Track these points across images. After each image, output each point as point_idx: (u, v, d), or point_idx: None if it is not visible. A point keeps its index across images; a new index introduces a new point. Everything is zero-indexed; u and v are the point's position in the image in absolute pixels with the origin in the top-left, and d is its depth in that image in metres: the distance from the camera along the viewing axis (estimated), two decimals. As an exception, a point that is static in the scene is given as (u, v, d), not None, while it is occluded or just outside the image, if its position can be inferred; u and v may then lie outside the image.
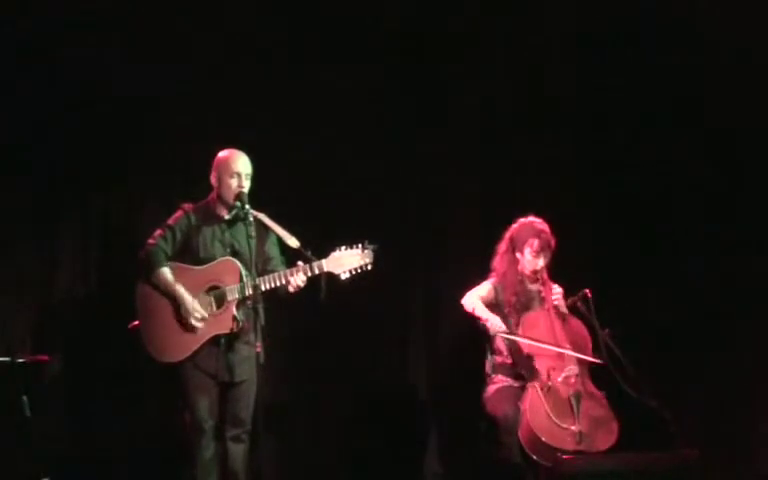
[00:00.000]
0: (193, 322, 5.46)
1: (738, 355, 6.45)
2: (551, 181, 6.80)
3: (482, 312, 6.00)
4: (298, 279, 5.48)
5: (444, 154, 6.88)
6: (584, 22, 6.79)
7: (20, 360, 5.67)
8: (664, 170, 6.75)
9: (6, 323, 6.02)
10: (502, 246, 6.14)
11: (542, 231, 6.00)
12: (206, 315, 5.49)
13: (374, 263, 5.53)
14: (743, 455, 6.31)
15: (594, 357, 5.85)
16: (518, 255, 6.06)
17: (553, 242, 6.01)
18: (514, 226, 6.11)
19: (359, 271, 5.54)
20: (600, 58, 6.83)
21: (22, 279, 6.11)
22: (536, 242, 5.99)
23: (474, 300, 6.04)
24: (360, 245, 5.55)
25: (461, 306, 6.06)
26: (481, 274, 6.16)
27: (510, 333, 5.93)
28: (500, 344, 6.05)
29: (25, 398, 5.58)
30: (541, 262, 6.00)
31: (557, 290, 6.04)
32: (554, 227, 6.06)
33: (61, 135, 6.17)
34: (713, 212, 6.59)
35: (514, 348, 5.96)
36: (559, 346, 5.86)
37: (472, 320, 6.05)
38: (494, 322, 5.95)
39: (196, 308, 5.48)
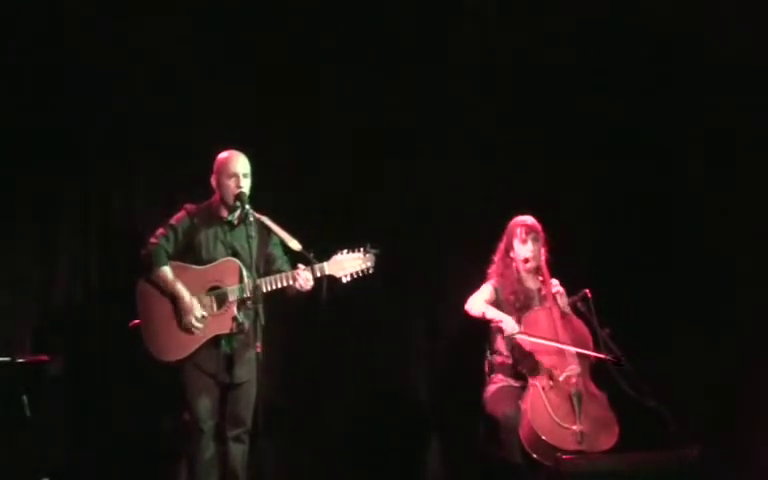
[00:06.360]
0: (193, 321, 5.45)
1: (738, 355, 6.46)
2: (552, 181, 6.81)
3: (494, 314, 5.95)
4: (304, 279, 5.48)
5: (445, 154, 6.87)
6: (584, 22, 6.80)
7: (20, 360, 5.66)
8: (664, 169, 6.77)
9: (6, 323, 6.01)
10: (498, 252, 6.16)
11: (525, 220, 6.04)
12: (205, 314, 5.48)
13: (375, 267, 5.54)
14: (743, 455, 6.32)
15: (599, 353, 5.84)
16: (511, 254, 6.08)
17: (540, 229, 6.02)
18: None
19: (360, 275, 5.56)
20: (600, 58, 6.85)
21: (22, 279, 6.10)
22: (522, 229, 6.02)
23: (480, 304, 6.00)
24: (362, 249, 5.57)
25: (466, 313, 6.03)
26: (481, 274, 6.16)
27: (524, 333, 5.90)
28: (500, 344, 6.04)
29: (25, 398, 5.57)
30: (530, 246, 6.00)
31: (555, 282, 6.04)
32: (554, 227, 6.08)
33: (61, 135, 6.17)
34: (713, 211, 6.60)
35: (516, 347, 5.96)
36: (564, 345, 5.85)
37: (478, 323, 6.02)
38: (508, 323, 5.91)
39: (195, 307, 5.47)
